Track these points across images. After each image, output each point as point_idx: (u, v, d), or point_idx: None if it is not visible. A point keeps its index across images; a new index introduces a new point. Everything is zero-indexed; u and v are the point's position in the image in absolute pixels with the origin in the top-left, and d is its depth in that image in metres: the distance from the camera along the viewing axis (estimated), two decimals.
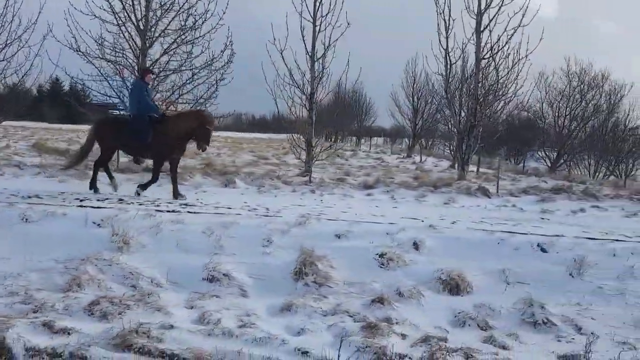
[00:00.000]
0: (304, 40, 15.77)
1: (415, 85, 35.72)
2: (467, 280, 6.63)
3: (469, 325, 5.77)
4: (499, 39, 15.79)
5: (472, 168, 25.71)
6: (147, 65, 11.03)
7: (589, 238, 7.85)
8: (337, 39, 15.79)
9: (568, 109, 33.09)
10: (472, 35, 16.15)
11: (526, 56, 15.84)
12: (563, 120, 32.90)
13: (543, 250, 7.35)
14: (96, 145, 10.08)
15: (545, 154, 34.45)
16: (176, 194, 9.74)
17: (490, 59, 16.33)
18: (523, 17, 15.78)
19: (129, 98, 10.25)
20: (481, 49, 16.01)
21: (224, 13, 15.40)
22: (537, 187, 14.39)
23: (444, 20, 16.23)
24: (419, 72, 35.86)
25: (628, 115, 32.52)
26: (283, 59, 15.77)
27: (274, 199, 10.24)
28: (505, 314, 6.05)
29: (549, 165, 33.03)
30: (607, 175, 29.74)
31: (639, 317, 6.09)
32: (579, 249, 7.30)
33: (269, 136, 56.16)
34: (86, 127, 15.87)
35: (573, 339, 5.59)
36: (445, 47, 16.57)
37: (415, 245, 7.34)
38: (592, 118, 33.18)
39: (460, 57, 16.37)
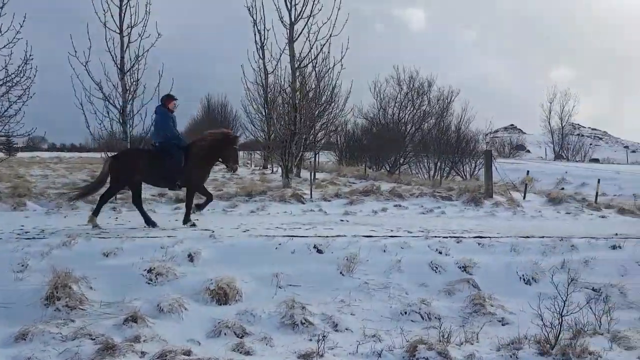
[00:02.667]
0: (110, 52, 15.05)
1: (267, 95, 35.16)
2: (237, 288, 6.54)
3: (225, 334, 5.66)
4: (311, 49, 16.20)
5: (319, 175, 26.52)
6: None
7: (367, 236, 8.13)
8: (147, 50, 15.26)
9: (402, 114, 34.97)
10: (286, 45, 16.42)
11: (340, 63, 16.42)
12: (397, 125, 34.67)
13: (319, 251, 7.49)
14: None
15: (380, 159, 35.95)
16: (186, 220, 9.42)
17: (309, 66, 16.70)
18: (333, 27, 16.29)
19: (154, 127, 9.58)
20: (295, 59, 16.32)
21: (21, 26, 14.27)
22: (353, 190, 14.82)
23: (259, 31, 16.39)
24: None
25: (461, 119, 34.84)
26: (88, 72, 14.94)
27: (62, 220, 9.56)
28: (266, 319, 6.03)
29: (387, 169, 34.61)
30: (445, 177, 31.43)
31: (397, 310, 6.37)
32: (353, 247, 7.53)
33: None
34: None
35: (324, 336, 5.70)
36: (262, 57, 16.70)
37: (190, 257, 7.14)
38: (424, 123, 35.26)
39: (276, 66, 16.57)
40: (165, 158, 9.14)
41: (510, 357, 5.11)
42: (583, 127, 74.82)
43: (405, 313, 6.29)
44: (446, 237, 8.14)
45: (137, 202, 9.39)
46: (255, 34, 16.52)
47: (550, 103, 62.83)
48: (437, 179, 20.62)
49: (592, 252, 7.75)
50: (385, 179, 25.31)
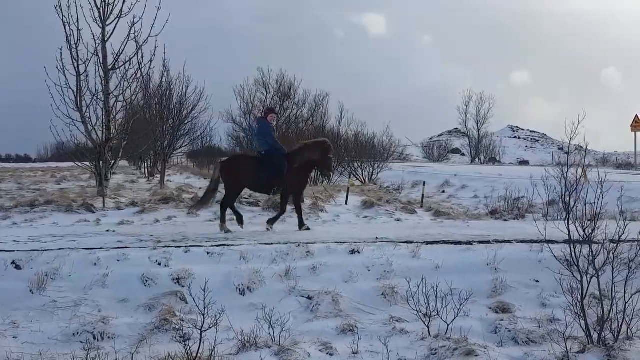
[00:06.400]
0: None
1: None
2: None
3: None
4: (123, 50, 15.43)
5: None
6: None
7: (87, 248, 7.50)
8: None
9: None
10: (99, 45, 15.53)
11: (147, 69, 15.89)
12: None
13: (17, 267, 6.80)
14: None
15: None
16: (301, 225, 9.85)
17: (126, 67, 15.90)
18: (152, 27, 15.64)
19: (257, 137, 10.22)
20: (107, 60, 15.48)
21: None
22: (154, 199, 14.10)
23: (66, 31, 15.33)
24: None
25: (340, 122, 34.67)
26: None
27: None
28: None
29: None
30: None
31: (71, 330, 5.75)
32: (59, 261, 6.88)
33: None
34: None
35: None
36: (75, 58, 15.66)
37: None
38: (293, 126, 34.77)
39: (87, 68, 15.57)
40: (270, 166, 9.57)
41: None
42: (522, 129, 76.32)
43: (78, 334, 5.72)
44: (178, 247, 7.67)
45: (231, 205, 9.76)
46: (67, 33, 15.41)
47: (466, 106, 62.88)
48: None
49: (326, 258, 7.49)
50: None
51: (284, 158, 9.76)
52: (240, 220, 9.84)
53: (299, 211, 10.07)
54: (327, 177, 10.53)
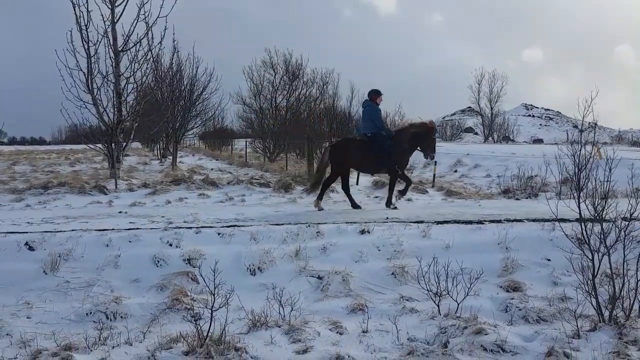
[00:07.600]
0: None
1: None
2: None
3: None
4: (132, 31, 15.39)
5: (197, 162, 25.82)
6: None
7: (99, 230, 7.55)
8: None
9: (280, 98, 34.16)
10: (109, 27, 15.49)
11: (157, 50, 15.76)
12: (274, 111, 33.96)
13: (31, 248, 6.86)
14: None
15: (264, 145, 35.20)
16: (395, 196, 10.31)
17: (136, 49, 15.87)
18: (161, 8, 15.58)
19: (364, 120, 10.28)
20: (117, 41, 15.44)
21: None
22: (164, 180, 14.18)
23: (75, 13, 15.28)
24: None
25: (351, 102, 34.37)
26: None
27: None
28: None
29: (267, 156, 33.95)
30: None
31: (85, 310, 5.82)
32: (72, 242, 6.94)
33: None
34: None
35: None
36: (87, 40, 15.64)
37: None
38: (304, 105, 34.56)
39: (97, 50, 15.56)
40: (377, 148, 9.89)
41: (149, 358, 4.72)
42: (536, 107, 75.20)
43: (91, 313, 5.79)
44: (189, 228, 7.70)
45: (346, 187, 10.33)
46: (76, 15, 15.37)
47: (479, 84, 62.04)
48: (283, 165, 20.27)
49: (336, 238, 7.50)
50: (257, 166, 24.89)
51: (389, 139, 10.03)
52: (354, 206, 10.26)
53: (391, 189, 10.36)
54: (430, 157, 10.59)
